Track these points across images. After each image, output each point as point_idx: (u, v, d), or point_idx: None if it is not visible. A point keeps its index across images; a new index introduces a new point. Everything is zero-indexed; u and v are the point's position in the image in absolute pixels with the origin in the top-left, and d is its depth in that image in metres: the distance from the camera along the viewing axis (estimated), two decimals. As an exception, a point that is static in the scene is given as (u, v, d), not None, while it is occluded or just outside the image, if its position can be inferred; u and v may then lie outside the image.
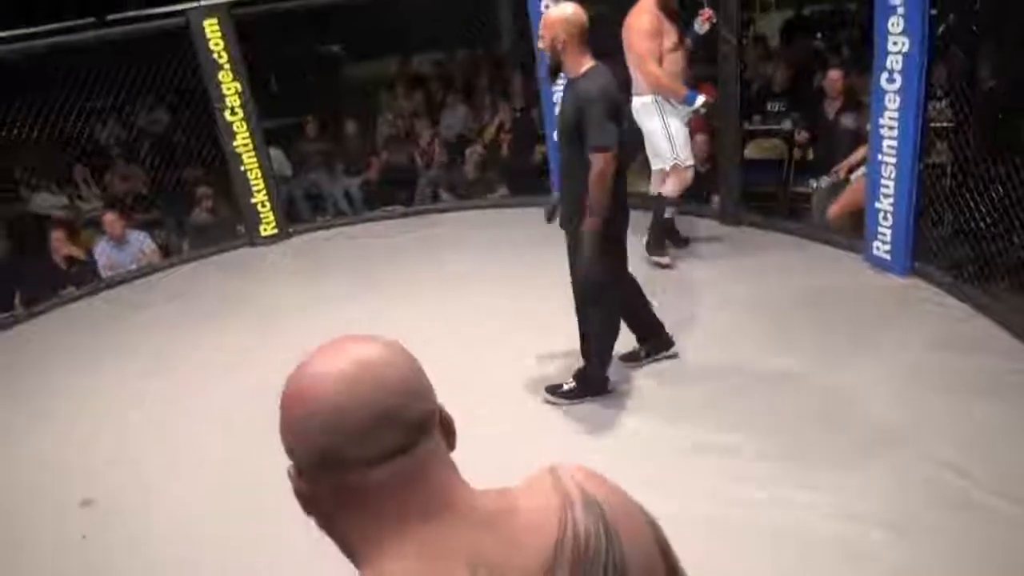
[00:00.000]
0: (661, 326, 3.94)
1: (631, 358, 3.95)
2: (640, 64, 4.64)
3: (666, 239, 5.08)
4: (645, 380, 3.87)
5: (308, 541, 0.98)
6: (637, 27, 4.63)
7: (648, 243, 5.01)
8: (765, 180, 6.06)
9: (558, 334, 3.97)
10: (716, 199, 5.81)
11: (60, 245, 6.28)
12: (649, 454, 3.31)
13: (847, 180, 5.38)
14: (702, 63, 5.62)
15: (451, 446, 0.87)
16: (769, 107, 6.47)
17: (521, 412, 3.74)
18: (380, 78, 9.00)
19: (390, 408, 0.79)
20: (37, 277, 6.21)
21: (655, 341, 3.94)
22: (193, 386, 4.42)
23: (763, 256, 5.06)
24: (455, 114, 8.03)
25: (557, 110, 3.99)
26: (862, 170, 5.00)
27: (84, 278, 6.24)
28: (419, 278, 5.47)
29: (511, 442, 3.30)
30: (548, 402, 3.76)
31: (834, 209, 5.37)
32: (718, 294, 4.63)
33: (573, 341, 3.74)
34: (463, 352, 4.23)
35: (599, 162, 3.17)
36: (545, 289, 4.26)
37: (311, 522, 0.86)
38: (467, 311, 4.81)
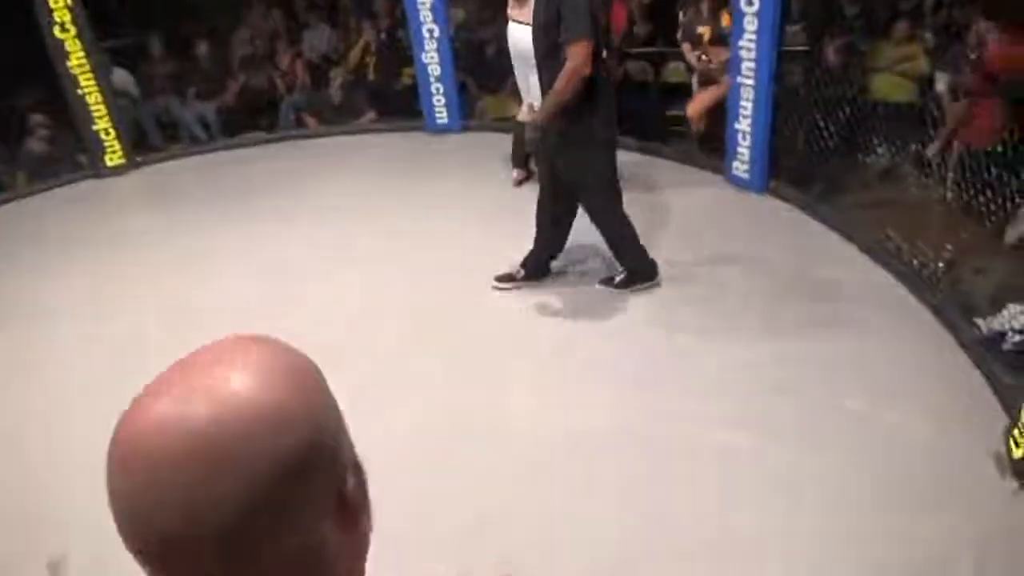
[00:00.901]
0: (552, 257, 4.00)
1: (507, 279, 3.97)
2: None
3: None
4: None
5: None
6: None
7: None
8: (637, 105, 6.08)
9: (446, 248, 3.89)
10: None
11: None
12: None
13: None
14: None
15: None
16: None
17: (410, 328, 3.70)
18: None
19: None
20: None
21: (542, 267, 3.99)
22: (34, 340, 4.07)
23: (634, 179, 5.15)
24: (318, 34, 7.59)
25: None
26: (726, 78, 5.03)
27: None
28: (287, 207, 5.22)
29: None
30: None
31: (693, 106, 5.42)
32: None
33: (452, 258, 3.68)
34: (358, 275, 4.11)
35: (576, 56, 3.21)
36: (419, 212, 4.17)
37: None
38: (340, 238, 4.65)
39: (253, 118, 7.01)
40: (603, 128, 3.47)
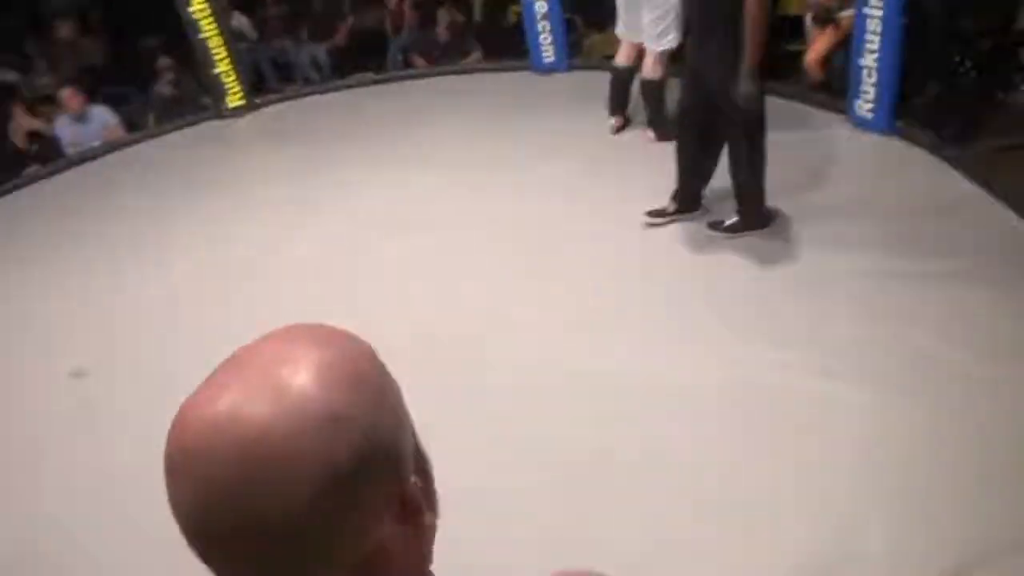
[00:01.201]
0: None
1: (658, 214, 3.96)
2: None
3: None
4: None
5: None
6: None
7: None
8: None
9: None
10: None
11: (21, 121, 6.04)
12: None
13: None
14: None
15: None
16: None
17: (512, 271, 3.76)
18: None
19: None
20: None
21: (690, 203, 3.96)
22: (165, 267, 4.38)
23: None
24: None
25: None
26: (850, 11, 4.72)
27: (47, 156, 6.04)
28: (397, 149, 5.32)
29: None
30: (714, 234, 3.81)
31: (810, 55, 5.14)
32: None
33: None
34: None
35: None
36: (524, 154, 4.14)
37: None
38: (443, 184, 4.72)
39: (362, 59, 7.12)
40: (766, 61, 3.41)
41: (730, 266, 3.62)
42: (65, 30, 7.24)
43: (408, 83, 6.60)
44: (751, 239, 3.72)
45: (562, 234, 4.02)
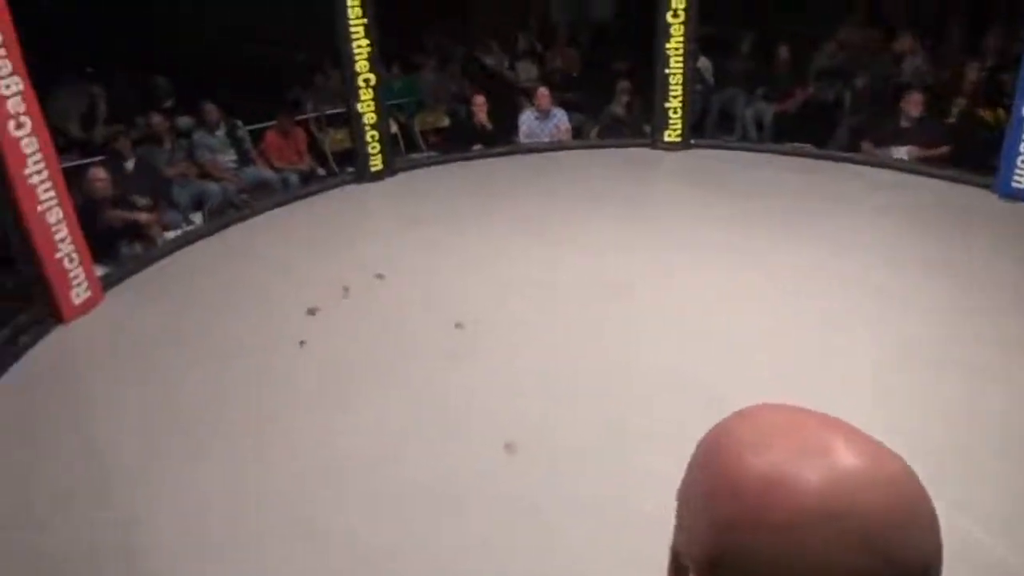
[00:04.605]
0: None
1: None
2: None
3: None
4: None
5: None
6: None
7: None
8: None
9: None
10: None
11: (479, 110, 7.05)
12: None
13: None
14: None
15: None
16: None
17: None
18: (838, 3, 8.29)
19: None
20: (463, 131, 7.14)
21: None
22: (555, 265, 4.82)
23: None
24: (911, 58, 7.15)
25: None
26: None
27: (497, 141, 6.99)
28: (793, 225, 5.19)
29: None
30: None
31: None
32: None
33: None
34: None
35: None
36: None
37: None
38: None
39: (807, 130, 6.99)
40: None
41: None
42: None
43: (847, 165, 6.32)
44: None
45: None
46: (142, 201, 5.58)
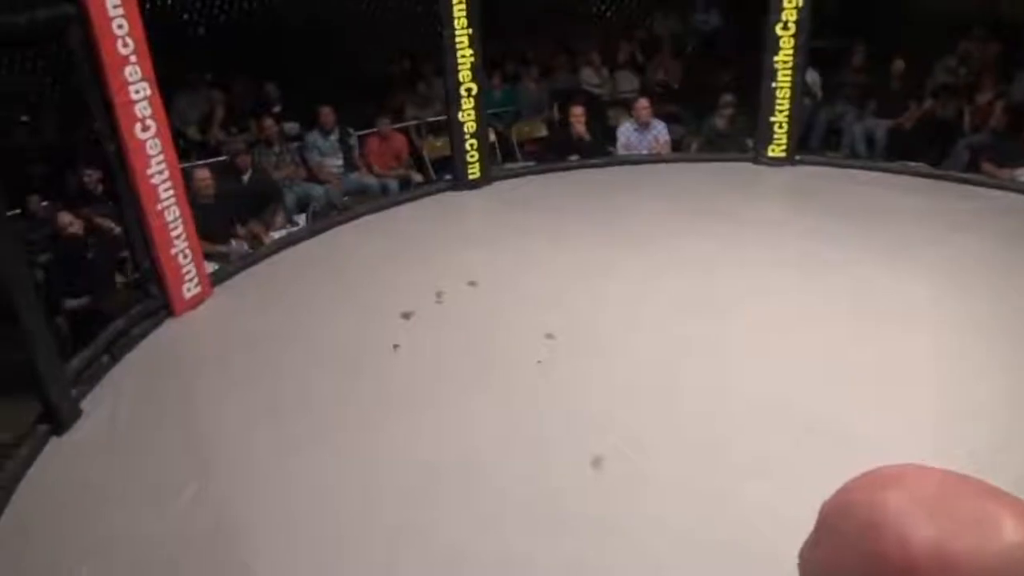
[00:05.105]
0: None
1: None
2: None
3: None
4: None
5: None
6: None
7: None
8: None
9: None
10: None
11: (578, 121, 6.99)
12: None
13: None
14: None
15: None
16: None
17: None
18: (957, 16, 7.84)
19: None
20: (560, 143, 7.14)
21: None
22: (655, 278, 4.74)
23: None
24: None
25: None
26: None
27: (595, 151, 6.93)
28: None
29: None
30: None
31: None
32: None
33: None
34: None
35: None
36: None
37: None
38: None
39: (922, 147, 6.65)
40: None
41: None
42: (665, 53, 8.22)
43: (960, 187, 5.98)
44: None
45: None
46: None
